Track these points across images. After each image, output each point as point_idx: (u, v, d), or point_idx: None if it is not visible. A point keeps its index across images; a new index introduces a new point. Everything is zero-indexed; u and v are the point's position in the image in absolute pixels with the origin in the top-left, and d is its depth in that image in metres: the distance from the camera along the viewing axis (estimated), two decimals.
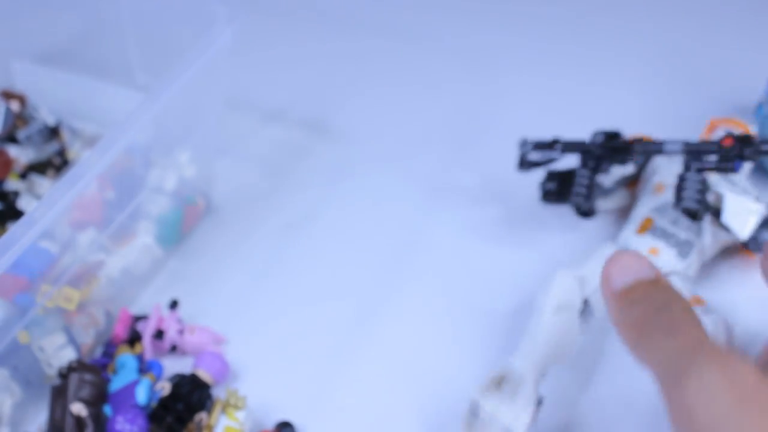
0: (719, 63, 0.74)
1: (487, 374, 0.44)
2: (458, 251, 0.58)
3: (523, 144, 0.57)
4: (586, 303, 0.50)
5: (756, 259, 0.57)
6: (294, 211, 0.63)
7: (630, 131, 0.64)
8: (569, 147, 0.56)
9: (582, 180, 0.56)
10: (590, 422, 0.47)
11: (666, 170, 0.58)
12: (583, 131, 0.60)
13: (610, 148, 0.55)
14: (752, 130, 0.60)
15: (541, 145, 0.57)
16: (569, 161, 0.62)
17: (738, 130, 0.59)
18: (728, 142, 0.51)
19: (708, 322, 0.48)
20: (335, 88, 0.76)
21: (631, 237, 0.54)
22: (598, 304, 0.50)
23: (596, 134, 0.56)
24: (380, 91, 0.75)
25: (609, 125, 0.62)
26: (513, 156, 0.61)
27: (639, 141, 0.55)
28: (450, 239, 0.59)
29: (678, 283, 0.53)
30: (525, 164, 0.56)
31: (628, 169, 0.59)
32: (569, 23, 0.81)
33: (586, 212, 0.58)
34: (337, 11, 0.83)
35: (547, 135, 0.60)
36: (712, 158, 0.52)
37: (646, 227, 0.54)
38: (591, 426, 0.47)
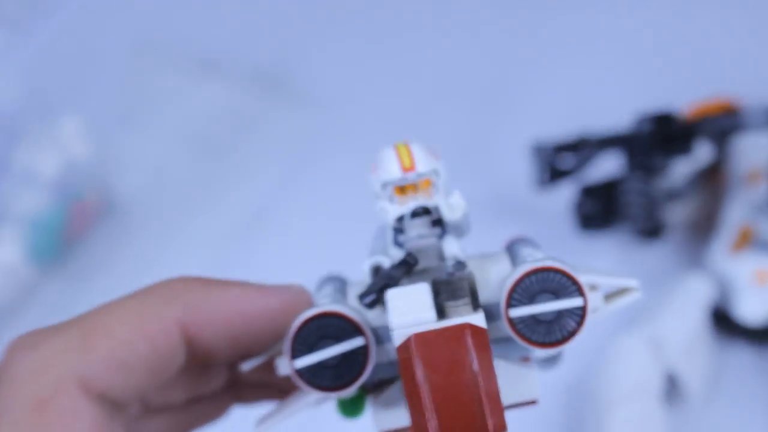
0: (723, 49, 0.66)
1: None
2: None
3: (540, 150, 0.54)
4: (670, 380, 0.47)
5: None
6: (238, 208, 0.59)
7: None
8: (606, 143, 0.54)
9: (634, 188, 0.53)
10: None
11: (759, 149, 0.54)
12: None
13: (663, 136, 0.52)
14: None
15: (563, 148, 0.53)
16: (604, 168, 0.57)
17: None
18: None
19: None
20: (299, 28, 0.70)
21: (724, 259, 0.50)
22: (691, 378, 0.47)
23: (642, 121, 0.53)
24: (362, 36, 0.69)
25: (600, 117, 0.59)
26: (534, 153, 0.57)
27: (706, 117, 0.53)
28: None
29: None
30: (555, 175, 0.54)
31: (700, 157, 0.54)
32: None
33: (650, 231, 0.54)
34: None
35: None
36: None
37: (745, 240, 0.51)
38: None
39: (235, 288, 0.28)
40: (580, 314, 0.24)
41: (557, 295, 0.24)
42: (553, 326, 0.24)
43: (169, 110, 0.65)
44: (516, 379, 0.25)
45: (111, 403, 0.25)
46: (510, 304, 0.24)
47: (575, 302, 0.24)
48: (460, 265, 0.25)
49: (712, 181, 0.56)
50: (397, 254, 0.26)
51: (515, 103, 0.65)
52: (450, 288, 0.24)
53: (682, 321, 0.48)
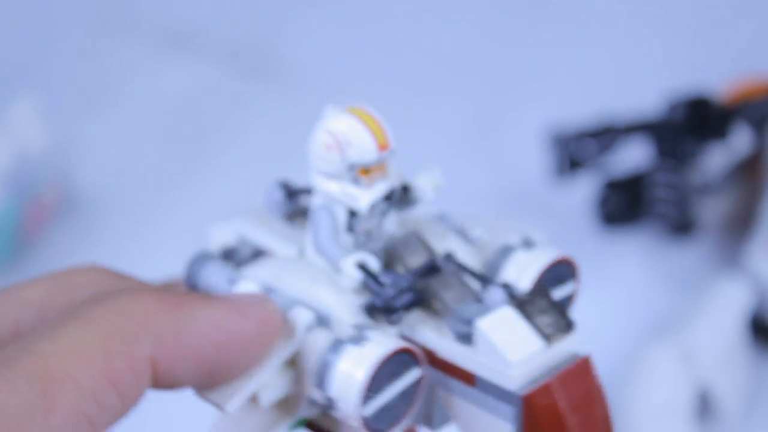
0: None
1: None
2: None
3: (560, 139, 0.54)
4: (702, 396, 0.46)
5: None
6: (218, 203, 0.57)
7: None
8: (632, 130, 0.53)
9: (663, 181, 0.52)
10: None
11: None
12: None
13: (697, 122, 0.52)
14: None
15: (585, 135, 0.53)
16: (630, 161, 0.56)
17: None
18: None
19: None
20: None
21: (763, 261, 0.50)
22: (725, 394, 0.47)
23: (675, 107, 0.52)
24: (358, 7, 0.68)
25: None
26: (544, 144, 0.57)
27: (746, 102, 0.53)
28: None
29: None
30: (574, 165, 0.54)
31: (737, 147, 0.54)
32: None
33: (680, 228, 0.54)
34: None
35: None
36: None
37: None
38: None
39: (207, 312, 0.24)
40: (570, 301, 0.26)
41: (561, 282, 0.25)
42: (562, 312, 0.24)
43: (135, 92, 0.64)
44: None
45: None
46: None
47: (573, 287, 0.25)
48: (449, 257, 0.24)
49: (751, 173, 0.55)
50: (348, 240, 0.24)
51: (527, 84, 0.64)
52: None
53: (716, 330, 0.46)
